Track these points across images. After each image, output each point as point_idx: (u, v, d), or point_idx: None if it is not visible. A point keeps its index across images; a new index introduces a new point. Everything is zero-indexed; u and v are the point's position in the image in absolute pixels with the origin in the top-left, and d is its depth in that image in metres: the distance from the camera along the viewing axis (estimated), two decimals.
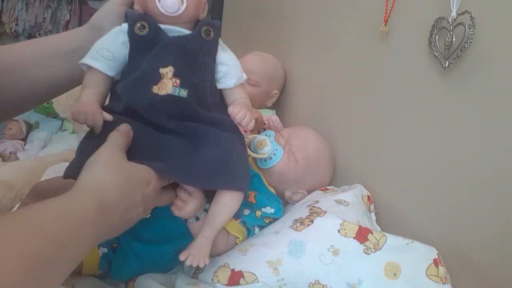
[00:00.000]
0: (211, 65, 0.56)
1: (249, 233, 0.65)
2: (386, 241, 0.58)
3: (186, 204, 0.55)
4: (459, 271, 0.58)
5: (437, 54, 0.60)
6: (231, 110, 0.56)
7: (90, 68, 0.53)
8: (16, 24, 4.12)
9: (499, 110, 0.54)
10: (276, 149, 0.75)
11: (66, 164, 0.49)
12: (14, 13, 4.14)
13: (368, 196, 0.72)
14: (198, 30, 0.54)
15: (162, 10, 0.52)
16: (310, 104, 0.99)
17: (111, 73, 0.53)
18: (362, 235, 0.58)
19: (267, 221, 0.68)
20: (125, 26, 0.53)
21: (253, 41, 1.36)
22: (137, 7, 0.56)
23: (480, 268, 0.56)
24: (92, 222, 0.39)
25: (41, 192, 0.67)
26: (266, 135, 0.77)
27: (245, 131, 0.98)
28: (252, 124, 0.57)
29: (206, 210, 0.58)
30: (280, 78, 1.08)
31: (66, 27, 4.13)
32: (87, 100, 0.50)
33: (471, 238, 0.58)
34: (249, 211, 0.66)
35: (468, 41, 0.55)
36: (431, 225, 0.64)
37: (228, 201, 0.56)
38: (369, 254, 0.56)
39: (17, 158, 1.69)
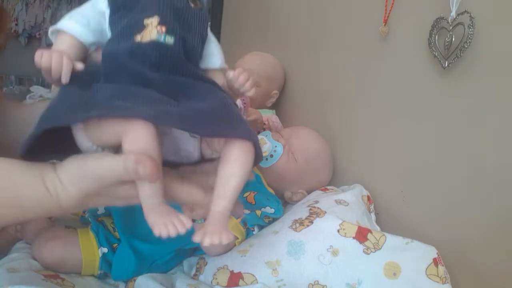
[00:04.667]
0: (203, 33, 0.50)
1: (248, 233, 0.65)
2: (385, 240, 0.58)
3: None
4: (459, 271, 0.58)
5: (436, 54, 0.60)
6: (231, 75, 0.49)
7: (60, 33, 0.46)
8: (16, 24, 4.13)
9: (499, 109, 0.54)
10: (276, 146, 0.75)
11: None
12: (14, 13, 4.14)
13: (368, 196, 0.72)
14: None
15: None
16: (310, 104, 0.99)
17: (83, 38, 0.47)
18: (361, 235, 0.58)
19: (266, 220, 0.68)
20: None
21: (253, 41, 1.36)
22: None
23: (480, 267, 0.56)
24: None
25: None
26: (263, 135, 0.77)
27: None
28: (253, 91, 0.50)
29: None
30: (280, 78, 1.08)
31: None
32: (53, 47, 0.45)
33: (471, 237, 0.58)
34: (249, 211, 0.66)
35: (468, 41, 0.55)
36: (431, 225, 0.64)
37: (238, 155, 0.42)
38: (368, 254, 0.56)
39: None
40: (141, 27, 0.45)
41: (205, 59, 0.51)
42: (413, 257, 0.56)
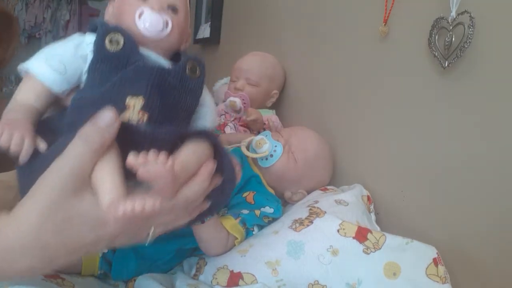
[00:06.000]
0: (191, 106, 0.48)
1: (248, 233, 0.65)
2: (385, 240, 0.58)
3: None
4: (459, 271, 0.58)
5: (436, 54, 0.60)
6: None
7: (30, 76, 0.42)
8: None
9: (498, 109, 0.54)
10: (276, 146, 0.75)
11: None
12: (14, 13, 4.15)
13: (368, 196, 0.72)
14: (182, 65, 0.46)
15: (142, 29, 0.43)
16: (310, 104, 0.99)
17: (56, 88, 0.43)
18: (361, 234, 0.58)
19: (266, 220, 0.68)
20: (90, 37, 0.44)
21: (252, 41, 1.36)
22: (107, 18, 0.48)
23: (480, 267, 0.56)
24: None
25: None
26: (263, 135, 0.77)
27: (244, 129, 0.98)
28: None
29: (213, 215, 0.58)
30: (280, 78, 1.08)
31: (66, 27, 4.14)
32: (16, 117, 0.40)
33: (471, 237, 0.58)
34: (248, 211, 0.66)
35: (468, 41, 0.55)
36: (431, 224, 0.64)
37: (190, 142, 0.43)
38: (368, 254, 0.56)
39: None
40: (122, 107, 0.41)
41: (196, 122, 0.50)
42: (413, 257, 0.56)
